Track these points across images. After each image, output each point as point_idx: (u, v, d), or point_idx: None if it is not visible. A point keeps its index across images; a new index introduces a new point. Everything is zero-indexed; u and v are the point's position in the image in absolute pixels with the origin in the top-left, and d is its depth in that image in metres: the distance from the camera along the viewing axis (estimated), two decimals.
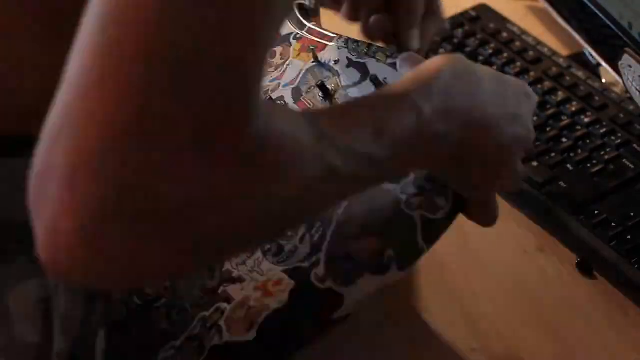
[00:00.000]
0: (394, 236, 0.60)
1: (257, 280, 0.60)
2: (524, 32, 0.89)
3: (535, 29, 0.95)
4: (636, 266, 0.71)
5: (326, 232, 0.60)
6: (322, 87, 0.65)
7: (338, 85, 0.66)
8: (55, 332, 0.54)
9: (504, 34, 0.89)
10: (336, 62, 0.66)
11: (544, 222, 0.77)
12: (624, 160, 0.79)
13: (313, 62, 0.67)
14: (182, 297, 0.59)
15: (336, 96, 0.65)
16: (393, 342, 0.68)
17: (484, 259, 0.74)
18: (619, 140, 0.80)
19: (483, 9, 0.92)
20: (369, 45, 0.66)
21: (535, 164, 0.79)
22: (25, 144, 0.45)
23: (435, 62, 0.57)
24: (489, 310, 0.71)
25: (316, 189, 0.48)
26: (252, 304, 0.59)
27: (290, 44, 0.69)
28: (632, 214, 0.74)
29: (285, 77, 0.67)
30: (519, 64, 0.87)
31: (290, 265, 0.60)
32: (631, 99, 0.79)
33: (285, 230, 0.54)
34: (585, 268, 0.74)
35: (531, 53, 0.87)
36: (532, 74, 0.86)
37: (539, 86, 0.84)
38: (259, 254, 0.60)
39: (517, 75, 0.85)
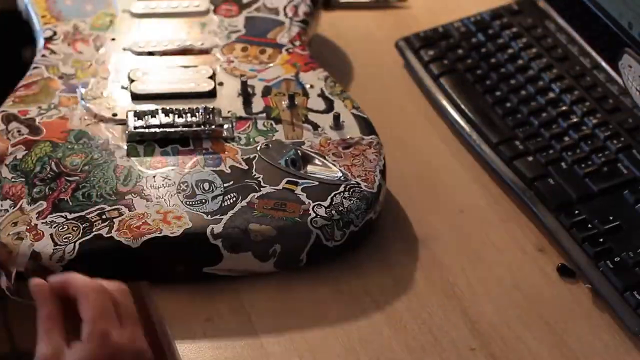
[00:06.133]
0: (287, 238, 0.75)
1: (161, 207, 0.76)
2: (560, 29, 0.97)
3: None
4: (600, 269, 0.77)
5: (236, 203, 0.76)
6: (291, 98, 0.85)
7: (304, 104, 0.85)
8: None
9: (539, 30, 0.97)
10: (311, 86, 0.87)
11: (529, 218, 0.83)
12: (619, 164, 0.84)
13: (292, 76, 0.88)
14: (93, 186, 0.78)
15: (298, 111, 0.84)
16: (393, 342, 0.74)
17: (484, 259, 0.80)
18: (620, 144, 0.86)
19: (527, 3, 1.01)
20: (342, 91, 0.87)
21: (530, 158, 0.85)
22: None
23: None
24: (489, 310, 0.76)
25: None
26: (148, 221, 0.75)
27: (281, 52, 0.91)
28: (611, 218, 0.79)
29: (264, 74, 0.89)
30: (544, 59, 0.94)
31: (195, 210, 0.76)
32: None
33: None
34: (567, 271, 0.79)
35: (560, 51, 0.95)
36: (554, 70, 0.93)
37: (558, 83, 0.91)
38: (173, 189, 0.77)
39: (540, 70, 0.93)
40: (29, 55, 0.94)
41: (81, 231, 0.74)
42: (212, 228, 0.74)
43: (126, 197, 0.77)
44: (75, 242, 0.74)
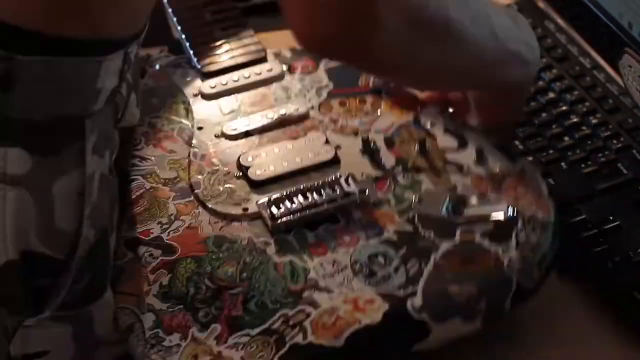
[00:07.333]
0: (489, 290, 0.70)
1: (347, 295, 0.70)
2: (560, 29, 0.98)
3: None
4: (601, 269, 0.78)
5: (423, 269, 0.71)
6: (422, 143, 0.80)
7: (436, 146, 0.80)
8: (84, 220, 0.67)
9: (539, 30, 0.99)
10: (432, 125, 0.82)
11: None
12: (619, 164, 0.86)
13: (409, 120, 0.82)
14: (262, 292, 0.71)
15: (434, 155, 0.80)
16: None
17: None
18: (619, 145, 0.87)
19: (527, 3, 1.02)
20: (464, 123, 0.82)
21: (530, 158, 0.86)
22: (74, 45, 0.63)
23: None
24: None
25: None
26: (341, 314, 0.69)
27: (382, 97, 0.85)
28: (611, 218, 0.80)
29: (377, 124, 0.83)
30: (544, 60, 0.95)
31: (383, 290, 0.70)
32: None
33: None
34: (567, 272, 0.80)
35: (559, 51, 0.96)
36: (554, 70, 0.94)
37: (558, 84, 0.93)
38: (349, 272, 0.71)
39: (540, 70, 0.94)
40: None
41: (273, 345, 0.68)
42: (412, 302, 0.69)
43: (304, 295, 0.70)
44: (274, 359, 0.68)
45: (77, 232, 0.66)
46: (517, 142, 0.88)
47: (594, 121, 0.89)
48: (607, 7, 0.89)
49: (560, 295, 0.78)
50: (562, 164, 0.86)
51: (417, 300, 0.69)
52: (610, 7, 0.89)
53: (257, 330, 0.69)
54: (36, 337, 0.68)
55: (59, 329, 0.68)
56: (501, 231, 0.73)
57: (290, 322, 0.69)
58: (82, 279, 0.67)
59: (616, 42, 0.88)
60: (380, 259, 0.72)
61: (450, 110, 0.83)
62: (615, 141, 0.87)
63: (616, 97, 0.91)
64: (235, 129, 0.83)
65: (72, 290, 0.67)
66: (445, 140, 0.81)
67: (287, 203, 0.75)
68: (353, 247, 0.73)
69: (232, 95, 0.87)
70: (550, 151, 0.87)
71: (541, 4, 1.01)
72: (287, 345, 0.68)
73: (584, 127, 0.88)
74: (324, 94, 0.86)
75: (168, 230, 0.76)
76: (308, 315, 0.69)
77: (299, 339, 0.68)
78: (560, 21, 0.99)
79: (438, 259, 0.71)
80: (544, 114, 0.90)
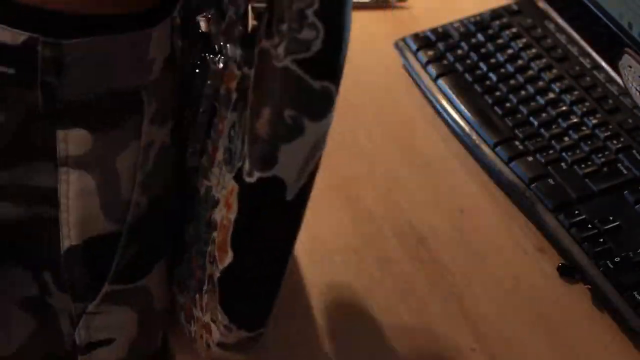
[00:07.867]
0: (283, 97, 0.54)
1: (224, 197, 0.59)
2: (560, 30, 0.98)
3: None
4: (600, 269, 0.78)
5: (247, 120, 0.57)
6: None
7: None
8: (135, 187, 0.65)
9: (539, 30, 0.99)
10: None
11: (529, 218, 0.84)
12: (619, 164, 0.86)
13: None
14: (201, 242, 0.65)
15: None
16: (392, 341, 0.75)
17: (484, 259, 0.81)
18: (620, 145, 0.87)
19: (527, 3, 1.02)
20: None
21: (530, 158, 0.85)
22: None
23: None
24: (489, 310, 0.77)
25: None
26: (225, 224, 0.58)
27: None
28: (611, 218, 0.81)
29: None
30: (544, 60, 0.95)
31: (235, 168, 0.57)
32: None
33: None
34: (567, 271, 0.80)
35: (559, 51, 0.97)
36: (554, 70, 0.94)
37: (558, 84, 0.93)
38: (222, 167, 0.60)
39: (540, 70, 0.95)
40: None
41: (213, 292, 0.61)
42: (244, 169, 0.56)
43: (211, 221, 0.62)
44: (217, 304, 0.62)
45: (129, 199, 0.65)
46: (517, 142, 0.88)
47: (594, 121, 0.89)
48: (607, 7, 0.89)
49: (561, 295, 0.78)
50: (562, 164, 0.86)
51: (246, 163, 0.55)
52: (610, 7, 0.89)
53: (206, 285, 0.62)
54: (100, 323, 0.68)
55: (122, 315, 0.68)
56: None
57: (211, 259, 0.60)
58: (130, 246, 0.66)
59: (616, 42, 0.88)
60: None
61: None
62: (615, 141, 0.87)
63: (616, 97, 0.91)
64: None
65: (122, 257, 0.66)
66: None
67: None
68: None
69: None
70: (550, 151, 0.87)
71: (541, 4, 1.02)
72: (216, 282, 0.59)
73: (584, 127, 0.89)
74: None
75: None
76: (214, 242, 0.60)
77: (217, 273, 0.59)
78: (560, 21, 0.99)
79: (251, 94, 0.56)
80: (544, 114, 0.90)
